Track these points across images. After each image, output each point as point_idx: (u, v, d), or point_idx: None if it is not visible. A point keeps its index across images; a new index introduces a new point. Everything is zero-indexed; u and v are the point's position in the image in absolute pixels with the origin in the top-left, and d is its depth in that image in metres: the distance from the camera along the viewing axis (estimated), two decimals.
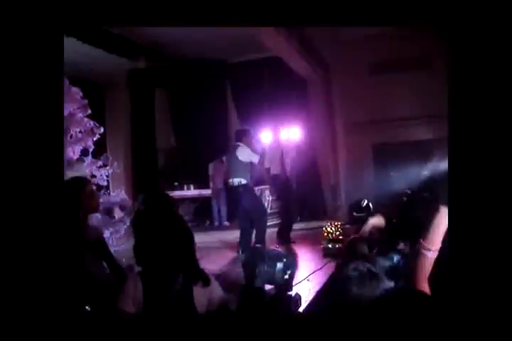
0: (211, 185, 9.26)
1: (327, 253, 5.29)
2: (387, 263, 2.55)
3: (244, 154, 6.10)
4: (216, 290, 2.29)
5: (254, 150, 6.19)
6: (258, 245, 3.15)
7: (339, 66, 8.72)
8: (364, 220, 4.40)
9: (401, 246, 3.15)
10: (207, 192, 9.42)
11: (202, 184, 9.52)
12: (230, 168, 6.33)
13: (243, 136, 6.24)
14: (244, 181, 6.04)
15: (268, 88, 9.48)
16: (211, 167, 9.28)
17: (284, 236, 6.80)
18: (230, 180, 6.15)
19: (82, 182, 3.03)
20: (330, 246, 5.47)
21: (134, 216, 2.88)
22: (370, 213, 4.49)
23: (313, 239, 6.37)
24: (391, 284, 2.14)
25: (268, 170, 7.58)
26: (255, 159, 6.13)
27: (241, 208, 6.11)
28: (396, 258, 2.58)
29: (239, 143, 6.19)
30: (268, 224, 8.57)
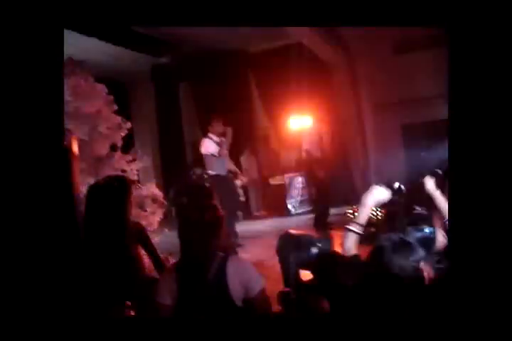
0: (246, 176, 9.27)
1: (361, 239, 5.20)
2: (418, 234, 2.53)
3: (202, 148, 6.36)
4: (253, 278, 2.29)
5: (216, 141, 6.35)
6: (292, 231, 3.13)
7: (363, 46, 8.58)
8: (397, 203, 4.33)
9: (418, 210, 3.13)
10: (236, 182, 9.42)
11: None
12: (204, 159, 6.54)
13: (208, 127, 6.50)
14: (215, 172, 6.26)
15: (291, 74, 9.41)
16: (243, 159, 9.28)
17: (322, 222, 6.79)
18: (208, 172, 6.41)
19: (126, 182, 3.07)
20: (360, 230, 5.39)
21: (177, 208, 2.92)
22: (402, 196, 4.42)
23: (345, 224, 6.29)
24: (424, 254, 2.12)
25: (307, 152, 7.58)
26: (214, 151, 6.29)
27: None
28: (428, 229, 2.56)
29: (208, 134, 6.43)
30: (299, 211, 8.59)
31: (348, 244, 2.43)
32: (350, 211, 6.03)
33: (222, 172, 6.41)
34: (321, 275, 2.12)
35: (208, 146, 6.36)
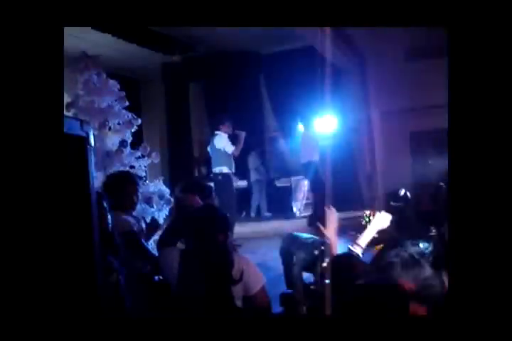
0: (251, 177, 9.31)
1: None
2: (413, 250, 2.48)
3: (219, 143, 6.32)
4: (253, 275, 2.29)
5: (232, 140, 6.38)
6: (295, 233, 3.14)
7: (374, 53, 8.58)
8: (402, 210, 4.32)
9: (432, 232, 3.11)
10: (242, 183, 9.45)
11: (237, 175, 9.55)
12: (211, 157, 6.54)
13: (220, 125, 6.44)
14: (226, 170, 6.21)
15: (302, 78, 9.42)
16: (251, 159, 9.33)
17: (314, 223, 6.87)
18: (213, 169, 6.40)
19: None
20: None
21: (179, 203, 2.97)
22: (407, 203, 4.41)
23: (350, 228, 6.30)
24: (432, 271, 2.09)
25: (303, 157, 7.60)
26: (229, 149, 6.30)
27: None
28: (423, 245, 2.52)
29: (217, 132, 6.43)
30: (304, 214, 8.59)
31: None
32: (367, 213, 6.09)
33: (232, 171, 6.50)
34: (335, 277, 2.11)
35: (227, 143, 6.39)
